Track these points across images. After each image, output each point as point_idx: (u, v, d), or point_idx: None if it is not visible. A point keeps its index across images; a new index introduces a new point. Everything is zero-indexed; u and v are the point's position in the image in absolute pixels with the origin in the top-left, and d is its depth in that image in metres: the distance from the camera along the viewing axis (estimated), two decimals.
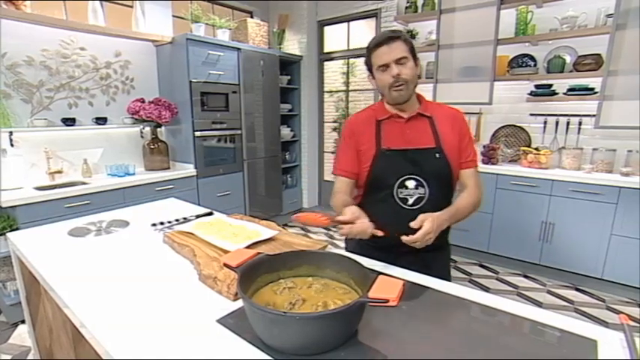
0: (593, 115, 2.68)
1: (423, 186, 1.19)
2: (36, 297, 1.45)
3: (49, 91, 2.68)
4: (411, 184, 1.19)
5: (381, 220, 1.16)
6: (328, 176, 4.75)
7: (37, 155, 2.63)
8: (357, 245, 1.29)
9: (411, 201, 1.20)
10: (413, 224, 1.03)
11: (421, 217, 1.04)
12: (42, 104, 2.65)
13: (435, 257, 1.25)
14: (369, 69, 1.24)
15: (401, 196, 1.20)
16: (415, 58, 1.19)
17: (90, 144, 2.94)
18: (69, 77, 2.77)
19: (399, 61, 1.15)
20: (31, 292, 1.45)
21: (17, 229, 2.13)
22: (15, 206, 2.18)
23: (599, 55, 2.66)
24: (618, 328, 0.77)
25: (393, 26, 3.57)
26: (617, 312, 2.39)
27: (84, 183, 2.66)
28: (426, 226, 1.02)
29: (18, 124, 2.52)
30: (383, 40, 1.15)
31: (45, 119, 2.61)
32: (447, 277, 1.22)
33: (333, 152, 4.84)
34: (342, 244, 1.44)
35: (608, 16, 2.59)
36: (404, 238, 1.02)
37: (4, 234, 2.05)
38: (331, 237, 3.84)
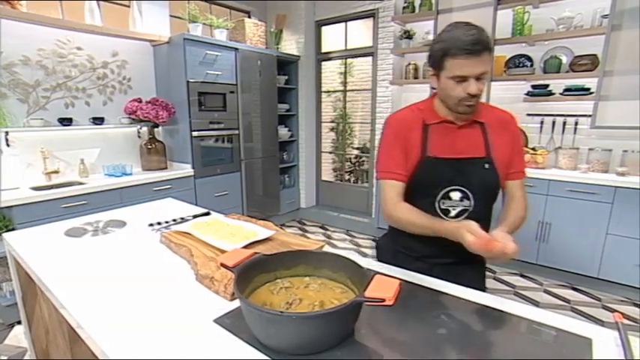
0: (589, 115, 2.69)
1: (468, 198, 1.10)
2: (32, 298, 1.45)
3: (46, 91, 2.67)
4: (455, 195, 1.10)
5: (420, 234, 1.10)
6: (326, 176, 4.75)
7: (34, 155, 2.62)
8: (393, 256, 1.23)
9: (453, 213, 1.11)
10: (496, 235, 0.92)
11: (501, 235, 0.93)
12: (38, 104, 2.64)
13: (471, 269, 1.18)
14: (434, 65, 1.06)
15: (443, 207, 1.11)
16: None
17: (87, 144, 2.93)
18: (65, 77, 2.76)
19: (479, 77, 1.00)
20: (27, 293, 1.45)
21: (13, 229, 2.12)
22: (11, 206, 2.17)
23: (595, 55, 2.68)
24: (613, 326, 0.77)
25: (390, 26, 3.58)
26: (613, 311, 2.40)
27: (81, 183, 2.65)
28: (511, 247, 0.89)
29: (14, 123, 2.51)
30: (472, 49, 0.95)
31: (41, 119, 2.59)
32: (481, 289, 1.12)
33: (330, 152, 4.85)
34: (340, 245, 1.44)
35: (604, 16, 2.60)
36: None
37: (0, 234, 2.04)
38: (328, 237, 3.84)
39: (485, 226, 1.16)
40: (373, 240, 3.75)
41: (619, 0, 2.43)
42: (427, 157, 1.11)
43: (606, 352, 0.70)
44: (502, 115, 1.17)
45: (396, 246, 1.25)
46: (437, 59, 1.03)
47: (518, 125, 1.19)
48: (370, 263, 1.12)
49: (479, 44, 0.95)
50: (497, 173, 1.11)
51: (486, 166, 1.10)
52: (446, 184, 1.10)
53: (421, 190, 1.12)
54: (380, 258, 1.30)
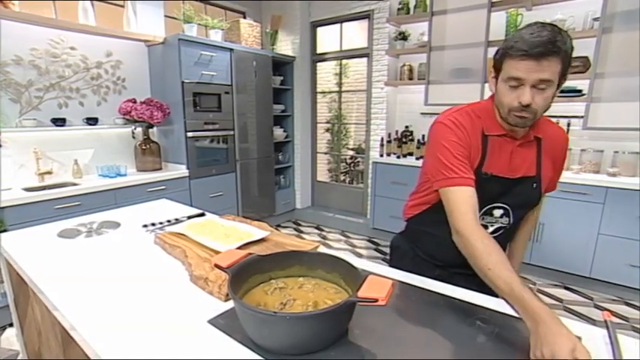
0: (582, 117, 2.73)
1: (508, 215, 1.05)
2: (24, 300, 1.44)
3: (39, 91, 2.65)
4: (497, 212, 1.05)
5: (445, 242, 0.99)
6: (321, 177, 4.75)
7: (26, 156, 2.59)
8: (411, 261, 1.18)
9: (491, 229, 1.06)
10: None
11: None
12: (31, 104, 2.62)
13: None
14: (495, 65, 0.94)
15: (482, 222, 1.04)
16: (562, 79, 0.88)
17: (81, 144, 2.91)
18: (59, 77, 2.74)
19: (538, 85, 0.86)
20: (20, 295, 1.44)
21: (5, 230, 2.10)
22: (3, 207, 2.15)
23: (586, 57, 2.71)
24: (604, 325, 0.78)
25: (385, 28, 3.60)
26: (604, 309, 2.43)
27: (74, 184, 2.63)
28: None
29: (6, 124, 2.48)
30: (533, 53, 0.82)
31: (34, 119, 2.57)
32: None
33: (326, 153, 4.85)
34: (335, 245, 1.45)
35: (595, 19, 2.64)
36: None
37: None
38: (323, 237, 3.85)
39: (514, 236, 1.19)
40: (368, 240, 3.76)
41: (610, 3, 2.47)
42: (482, 173, 1.00)
43: (595, 350, 0.72)
44: (558, 134, 1.09)
45: (417, 250, 1.19)
46: (498, 59, 0.93)
47: (568, 143, 1.12)
48: (364, 264, 1.13)
49: (541, 47, 0.81)
50: (541, 192, 1.06)
51: (534, 185, 1.04)
52: (492, 200, 1.03)
53: None
54: (395, 261, 1.24)
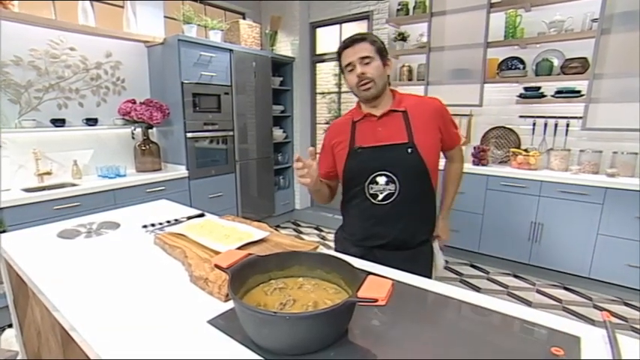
0: (580, 118, 2.74)
1: (393, 182, 1.21)
2: (24, 300, 1.44)
3: (38, 92, 2.65)
4: (381, 180, 1.22)
5: (354, 216, 1.31)
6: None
7: (26, 156, 2.59)
8: (340, 244, 1.39)
9: (381, 197, 1.23)
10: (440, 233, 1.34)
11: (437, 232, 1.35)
12: (30, 105, 2.62)
13: (414, 254, 1.28)
14: (342, 72, 1.28)
15: (371, 191, 1.23)
16: (384, 58, 1.21)
17: (80, 145, 2.91)
18: (58, 78, 2.74)
19: (363, 60, 1.18)
20: (19, 296, 1.43)
21: (4, 231, 2.10)
22: (2, 208, 2.15)
23: (585, 58, 2.72)
24: (603, 325, 0.79)
25: (384, 28, 3.61)
26: (603, 310, 2.44)
27: (74, 184, 2.63)
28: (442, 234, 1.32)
29: (5, 124, 2.48)
30: (348, 42, 1.20)
31: (33, 120, 2.57)
32: (427, 275, 1.27)
33: None
34: (334, 245, 1.47)
35: (594, 20, 2.65)
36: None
37: None
38: (323, 238, 3.85)
39: (416, 207, 1.26)
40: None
41: (608, 4, 2.48)
42: (353, 148, 1.27)
43: (594, 351, 0.72)
44: (426, 102, 1.32)
45: (344, 234, 1.40)
46: (339, 63, 1.27)
47: (445, 110, 1.29)
48: (363, 264, 1.13)
49: (356, 37, 1.20)
50: (420, 157, 1.21)
51: (409, 150, 1.20)
52: (371, 169, 1.23)
53: (352, 180, 1.28)
54: (335, 247, 1.44)
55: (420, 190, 1.25)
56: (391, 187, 1.21)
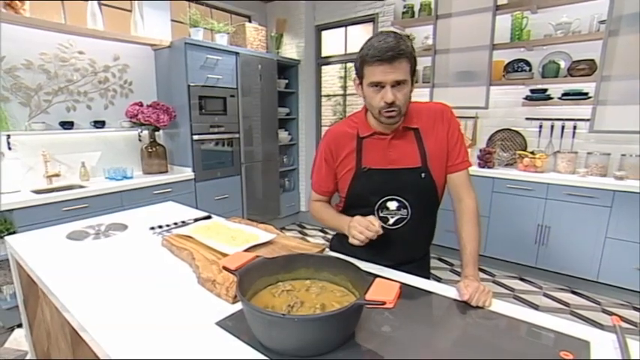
0: (588, 120, 2.71)
1: (405, 207, 1.13)
2: (34, 300, 1.45)
3: (48, 95, 2.69)
4: (392, 205, 1.13)
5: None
6: None
7: (35, 158, 2.63)
8: (338, 243, 1.29)
9: (391, 221, 1.14)
10: (464, 297, 0.91)
11: (465, 286, 0.94)
12: (40, 108, 2.66)
13: (413, 268, 1.19)
14: (357, 73, 1.07)
15: (381, 215, 1.14)
16: (413, 76, 1.03)
17: (88, 147, 2.94)
18: (67, 81, 2.78)
19: (397, 83, 0.99)
20: (29, 296, 1.45)
21: (14, 232, 2.13)
22: (12, 210, 2.18)
23: (592, 60, 2.70)
24: (612, 330, 0.78)
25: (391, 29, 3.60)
26: (612, 314, 2.40)
27: (82, 186, 2.66)
28: (472, 288, 0.92)
29: (16, 127, 2.52)
30: (385, 57, 0.95)
31: (43, 122, 2.61)
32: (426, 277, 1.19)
33: None
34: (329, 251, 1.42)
35: (601, 22, 2.63)
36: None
37: (1, 237, 2.05)
38: (328, 241, 3.84)
39: (428, 232, 1.23)
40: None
41: (616, 6, 2.46)
42: (361, 169, 1.14)
43: (604, 355, 0.71)
44: (434, 108, 1.16)
45: (343, 249, 1.25)
46: (358, 67, 1.05)
47: (452, 114, 1.16)
48: (370, 266, 1.13)
49: (391, 51, 0.95)
50: (433, 181, 1.12)
51: (422, 175, 1.11)
52: (382, 194, 1.13)
53: (360, 201, 1.16)
54: (333, 248, 1.35)
55: (430, 211, 1.19)
56: (403, 212, 1.13)
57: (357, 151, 1.15)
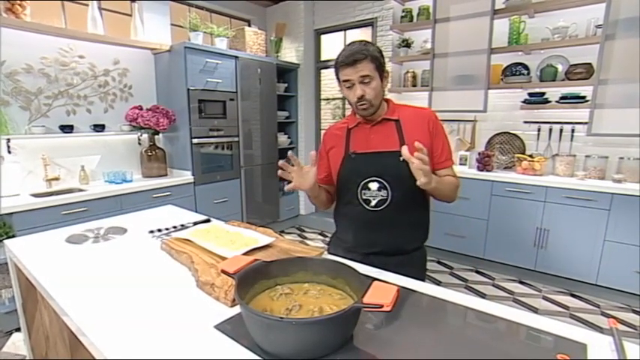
0: (586, 123, 2.73)
1: (385, 189, 1.23)
2: (32, 305, 1.45)
3: (48, 99, 2.70)
4: (373, 186, 1.24)
5: (348, 222, 1.34)
6: None
7: (35, 162, 2.63)
8: (334, 249, 1.39)
9: (373, 202, 1.24)
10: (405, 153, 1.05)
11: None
12: (40, 111, 2.67)
13: (408, 259, 1.28)
14: (337, 78, 1.26)
15: (364, 197, 1.25)
16: (382, 72, 1.20)
17: (87, 151, 2.95)
18: (67, 85, 2.79)
19: (363, 79, 1.17)
20: (28, 300, 1.45)
21: (13, 236, 2.13)
22: (11, 213, 2.18)
23: (589, 64, 2.72)
24: (610, 332, 0.78)
25: (388, 35, 3.63)
26: (611, 317, 2.41)
27: (81, 190, 2.66)
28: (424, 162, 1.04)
29: (16, 131, 2.53)
30: (349, 61, 1.16)
31: (43, 126, 2.61)
32: (422, 278, 1.27)
33: None
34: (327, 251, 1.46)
35: (598, 26, 2.65)
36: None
37: (0, 241, 2.05)
38: (328, 244, 3.84)
39: (409, 214, 1.27)
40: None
41: (612, 10, 2.48)
42: (347, 154, 1.31)
43: (601, 357, 0.72)
44: (419, 111, 1.32)
45: (337, 240, 1.41)
46: (335, 72, 1.25)
47: (436, 118, 1.30)
48: (368, 270, 1.13)
49: (352, 56, 1.16)
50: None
51: (401, 158, 1.14)
52: (363, 175, 1.25)
53: (346, 184, 1.30)
54: (331, 251, 1.41)
55: (412, 197, 1.25)
56: (383, 193, 1.23)
57: (346, 140, 1.33)
